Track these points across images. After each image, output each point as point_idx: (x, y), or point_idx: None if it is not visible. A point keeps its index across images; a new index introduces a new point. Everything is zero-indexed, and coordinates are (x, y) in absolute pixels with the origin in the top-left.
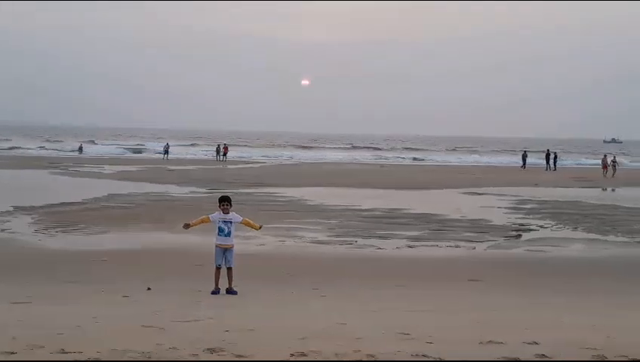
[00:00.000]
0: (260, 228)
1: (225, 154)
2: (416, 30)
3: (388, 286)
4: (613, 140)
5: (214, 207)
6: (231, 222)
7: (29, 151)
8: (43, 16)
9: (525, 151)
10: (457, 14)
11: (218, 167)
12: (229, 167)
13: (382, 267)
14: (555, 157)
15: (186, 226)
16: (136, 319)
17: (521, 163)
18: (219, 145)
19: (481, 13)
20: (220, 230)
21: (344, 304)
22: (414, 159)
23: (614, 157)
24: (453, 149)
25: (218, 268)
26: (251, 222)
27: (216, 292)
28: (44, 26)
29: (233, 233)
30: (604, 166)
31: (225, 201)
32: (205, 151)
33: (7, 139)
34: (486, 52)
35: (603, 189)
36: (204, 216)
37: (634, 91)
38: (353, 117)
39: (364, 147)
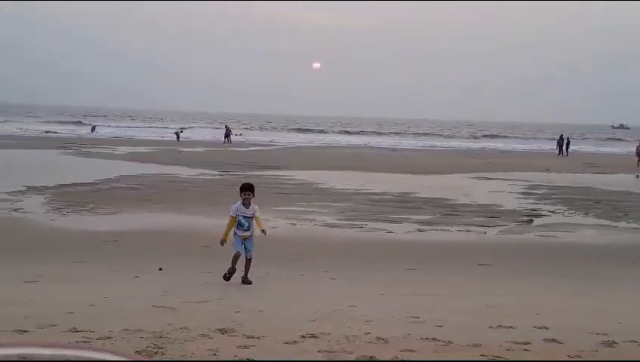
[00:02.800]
0: (263, 231)
1: (228, 135)
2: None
3: (398, 270)
4: (622, 126)
5: (224, 190)
6: (251, 218)
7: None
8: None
9: (561, 136)
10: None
11: (228, 149)
12: (241, 149)
13: (392, 250)
14: (568, 142)
15: (223, 243)
16: (147, 299)
17: (556, 149)
18: (227, 127)
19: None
20: (240, 224)
21: (354, 287)
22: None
23: None
24: (475, 136)
25: (236, 256)
26: (260, 220)
27: (228, 276)
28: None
29: (253, 225)
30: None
31: (247, 191)
32: (212, 134)
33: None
34: (497, 35)
35: (637, 176)
36: (229, 220)
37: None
38: (362, 100)
39: (377, 132)
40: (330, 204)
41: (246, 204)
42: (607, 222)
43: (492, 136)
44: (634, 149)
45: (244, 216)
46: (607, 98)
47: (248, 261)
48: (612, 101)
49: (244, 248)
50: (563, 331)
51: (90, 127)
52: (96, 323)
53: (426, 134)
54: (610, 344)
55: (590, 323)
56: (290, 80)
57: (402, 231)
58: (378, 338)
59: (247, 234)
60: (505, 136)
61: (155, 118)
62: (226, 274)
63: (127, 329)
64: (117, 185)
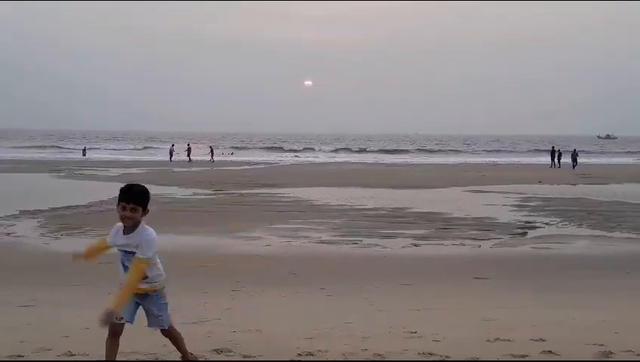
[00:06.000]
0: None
1: (211, 154)
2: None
3: (394, 285)
4: (608, 136)
5: (219, 209)
6: (133, 253)
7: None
8: None
9: (553, 147)
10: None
11: (221, 168)
12: (233, 168)
13: (387, 266)
14: (560, 154)
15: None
16: (142, 321)
17: (550, 161)
18: (211, 147)
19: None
20: (122, 265)
21: (350, 303)
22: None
23: None
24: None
25: (114, 328)
26: (136, 269)
27: None
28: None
29: (158, 270)
30: None
31: (126, 201)
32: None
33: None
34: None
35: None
36: (100, 239)
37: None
38: (351, 116)
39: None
40: (325, 220)
41: (126, 225)
42: (601, 233)
43: (485, 150)
44: (624, 160)
45: (125, 251)
46: (594, 108)
47: (166, 334)
48: (601, 111)
49: (147, 313)
50: (560, 343)
51: (82, 150)
52: (92, 346)
53: (417, 149)
54: (607, 354)
55: (587, 334)
56: (281, 98)
57: (397, 247)
58: (375, 354)
59: (144, 287)
60: (497, 150)
61: (133, 139)
62: None
63: (122, 352)
64: (111, 206)
